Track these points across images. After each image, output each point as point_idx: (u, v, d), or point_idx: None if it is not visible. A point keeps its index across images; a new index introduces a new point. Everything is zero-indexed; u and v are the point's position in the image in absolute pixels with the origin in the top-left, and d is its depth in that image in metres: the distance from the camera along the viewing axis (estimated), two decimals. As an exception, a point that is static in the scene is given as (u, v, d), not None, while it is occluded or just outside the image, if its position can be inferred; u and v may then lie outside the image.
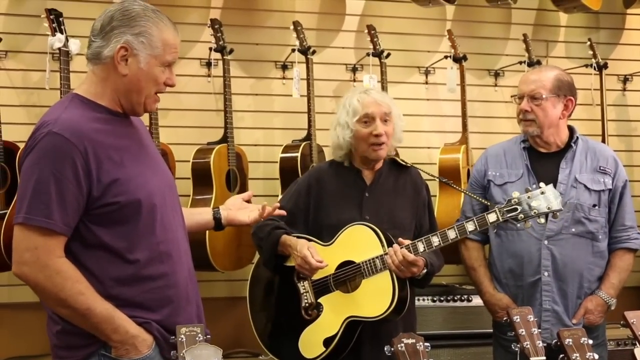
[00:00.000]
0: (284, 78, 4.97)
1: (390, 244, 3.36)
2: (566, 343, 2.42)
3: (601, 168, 3.71)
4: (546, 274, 3.63)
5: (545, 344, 2.47)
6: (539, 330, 2.49)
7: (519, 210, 3.32)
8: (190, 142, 4.61)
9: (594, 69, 5.30)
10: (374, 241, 3.38)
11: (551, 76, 3.70)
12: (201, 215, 2.99)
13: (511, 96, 3.90)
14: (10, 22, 4.53)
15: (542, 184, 3.36)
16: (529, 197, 3.32)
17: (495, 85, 5.40)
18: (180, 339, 2.21)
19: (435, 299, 4.63)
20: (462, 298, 4.65)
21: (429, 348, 2.35)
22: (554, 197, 3.32)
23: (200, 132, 4.72)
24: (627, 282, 3.82)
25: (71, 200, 2.40)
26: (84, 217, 2.44)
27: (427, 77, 5.26)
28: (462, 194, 4.13)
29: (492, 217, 3.36)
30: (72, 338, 2.49)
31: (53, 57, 4.31)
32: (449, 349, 4.58)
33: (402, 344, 2.33)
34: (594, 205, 3.66)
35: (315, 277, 3.44)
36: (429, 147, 5.16)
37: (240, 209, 3.01)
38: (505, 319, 2.55)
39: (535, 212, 3.30)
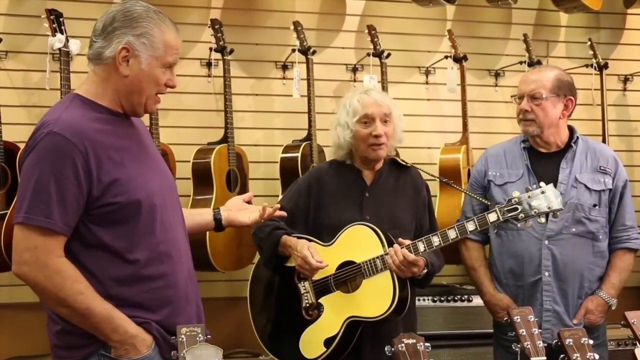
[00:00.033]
0: (284, 78, 4.97)
1: (390, 244, 3.36)
2: (567, 343, 2.42)
3: (601, 168, 3.71)
4: (547, 274, 3.63)
5: (545, 344, 2.46)
6: (540, 330, 2.49)
7: (519, 210, 3.32)
8: (191, 143, 4.61)
9: (595, 69, 5.30)
10: (375, 241, 3.38)
11: (551, 76, 3.70)
12: (201, 215, 2.99)
13: (511, 96, 3.89)
14: (10, 23, 4.53)
15: (542, 184, 3.36)
16: (529, 197, 3.32)
17: (496, 85, 5.40)
18: (180, 339, 2.21)
19: (435, 299, 4.63)
20: (463, 298, 4.65)
21: (430, 348, 2.35)
22: (554, 196, 3.32)
23: (201, 133, 4.71)
24: (628, 282, 3.82)
25: (71, 200, 2.40)
26: (84, 217, 2.44)
27: (427, 77, 5.26)
28: (463, 194, 4.13)
29: (492, 217, 3.36)
30: (71, 338, 2.49)
31: (53, 57, 4.31)
32: (449, 349, 4.58)
33: (403, 344, 2.33)
34: (595, 205, 3.66)
35: (316, 277, 3.44)
36: (429, 147, 5.16)
37: (240, 210, 3.01)
38: (505, 319, 2.56)
39: (535, 212, 3.30)
